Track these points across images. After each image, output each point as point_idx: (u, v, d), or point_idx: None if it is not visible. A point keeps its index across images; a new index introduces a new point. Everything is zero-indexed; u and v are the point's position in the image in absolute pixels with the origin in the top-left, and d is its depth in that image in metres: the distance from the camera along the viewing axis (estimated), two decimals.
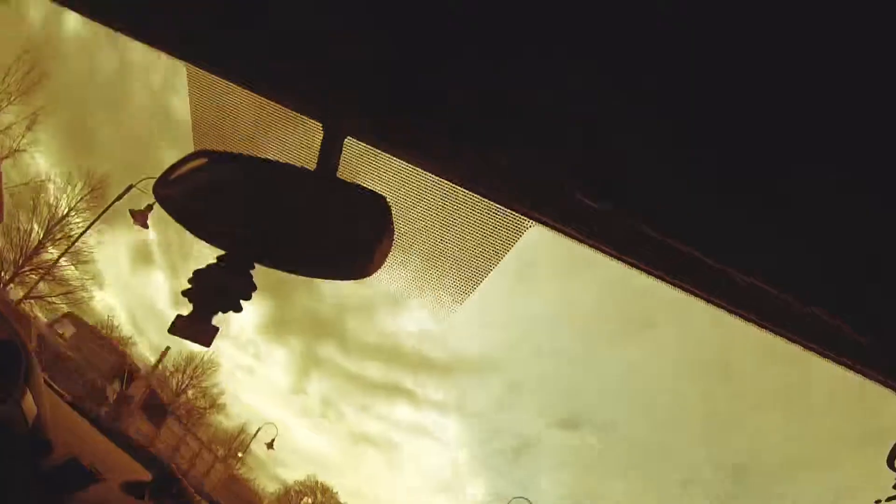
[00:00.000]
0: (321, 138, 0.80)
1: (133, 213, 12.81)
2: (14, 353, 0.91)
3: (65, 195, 17.88)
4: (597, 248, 0.80)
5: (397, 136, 0.80)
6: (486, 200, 0.81)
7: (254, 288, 0.78)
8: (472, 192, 0.81)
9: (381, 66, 0.74)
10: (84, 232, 15.58)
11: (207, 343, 0.77)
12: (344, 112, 0.79)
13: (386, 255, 0.75)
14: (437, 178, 0.81)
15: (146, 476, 1.02)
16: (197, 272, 0.80)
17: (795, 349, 0.76)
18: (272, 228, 0.79)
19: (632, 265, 0.80)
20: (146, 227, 12.80)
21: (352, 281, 0.78)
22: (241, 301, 0.78)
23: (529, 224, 0.81)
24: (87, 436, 1.13)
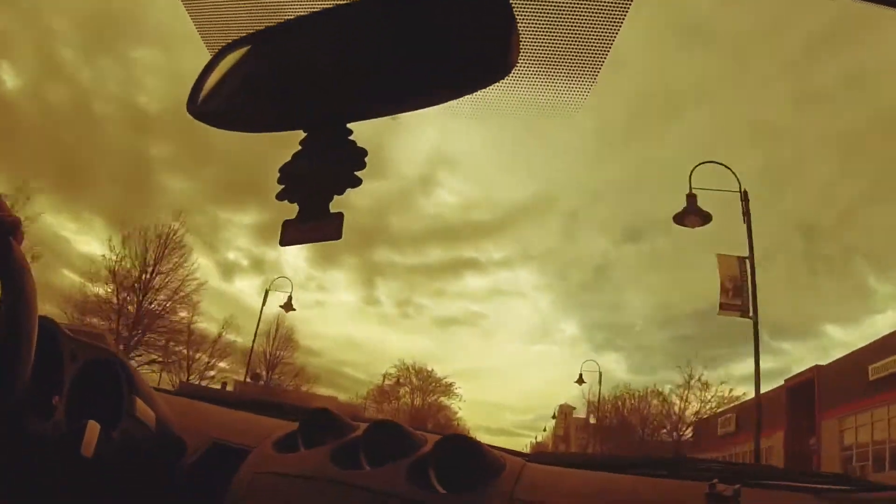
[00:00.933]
0: None
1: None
2: (113, 369, 0.77)
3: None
4: None
5: None
6: None
7: (364, 153, 0.62)
8: None
9: None
10: None
11: (337, 235, 0.61)
12: None
13: (518, 43, 0.60)
14: None
15: (293, 427, 0.87)
16: (284, 167, 0.64)
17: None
18: (355, 77, 0.63)
19: None
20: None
21: (485, 86, 0.62)
22: (356, 173, 0.62)
23: None
24: (216, 417, 0.98)
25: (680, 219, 8.80)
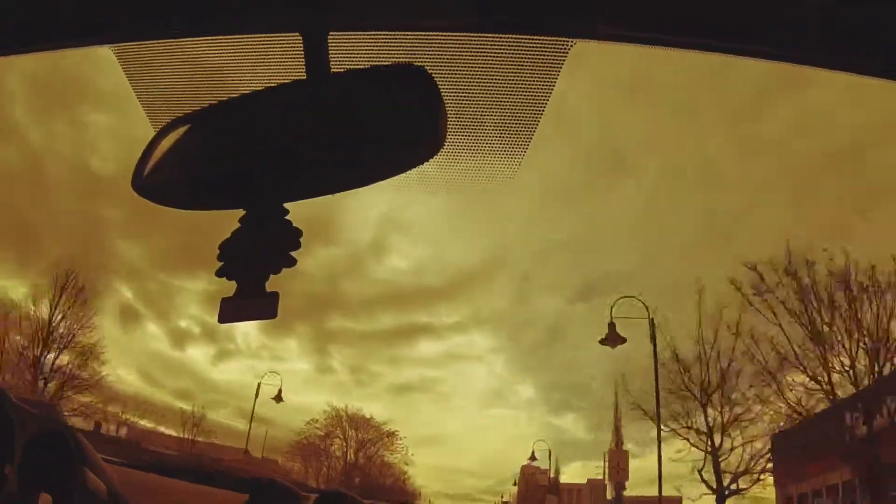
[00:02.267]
0: (301, 48, 0.68)
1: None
2: (62, 441, 0.78)
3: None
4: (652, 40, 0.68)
5: (384, 5, 0.68)
6: (509, 37, 0.69)
7: (299, 233, 0.64)
8: (494, 32, 0.68)
9: None
10: None
11: (273, 314, 0.63)
12: (324, 4, 0.67)
13: (446, 120, 0.62)
14: (443, 33, 0.69)
15: (242, 498, 0.89)
16: (224, 244, 0.66)
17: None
18: (292, 157, 0.66)
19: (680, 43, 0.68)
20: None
21: (420, 164, 0.64)
22: (291, 252, 0.64)
23: (570, 43, 0.68)
24: (163, 487, 0.99)
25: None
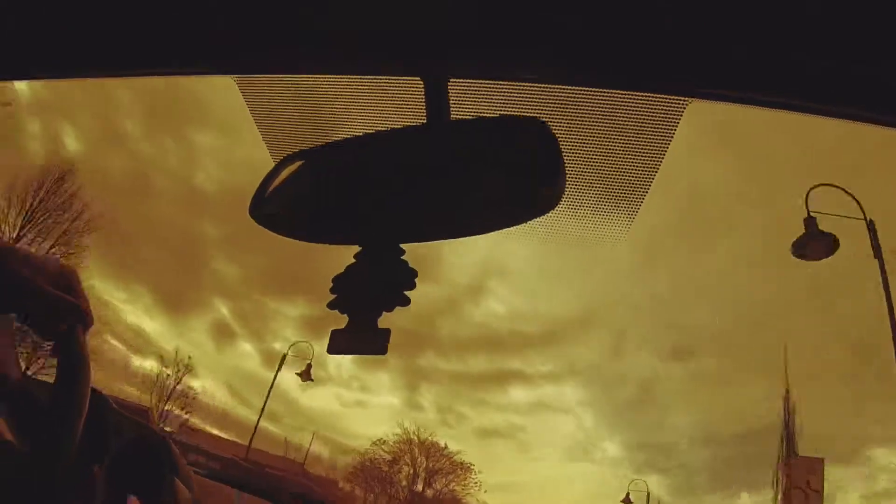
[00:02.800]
0: (422, 93, 0.70)
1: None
2: (155, 448, 0.81)
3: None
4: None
5: (505, 58, 0.70)
6: (626, 94, 0.70)
7: (414, 273, 0.66)
8: (610, 88, 0.70)
9: None
10: None
11: (383, 350, 0.64)
12: (445, 53, 0.69)
13: (565, 177, 0.63)
14: (561, 87, 0.71)
15: None
16: (338, 278, 0.67)
17: None
18: (410, 200, 0.67)
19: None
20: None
21: (535, 217, 0.65)
22: (406, 292, 0.66)
23: (686, 101, 0.70)
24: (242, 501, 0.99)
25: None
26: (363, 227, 0.68)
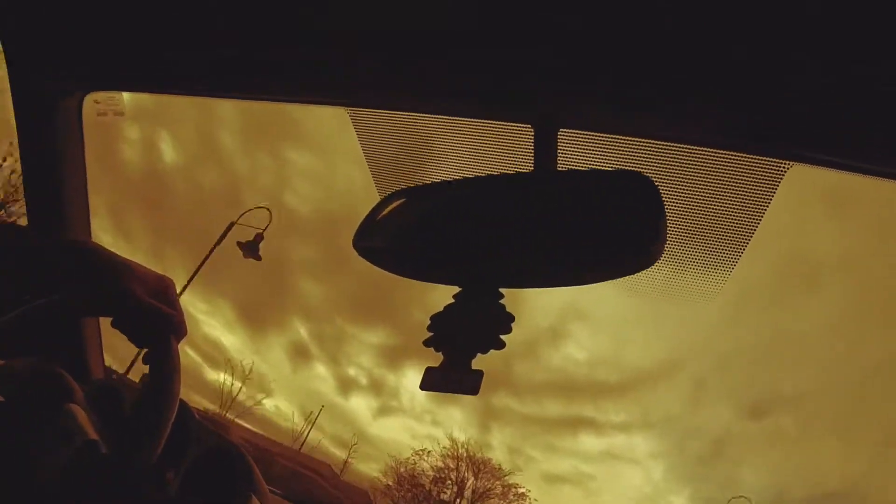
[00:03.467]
0: (530, 139, 0.72)
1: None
2: (234, 461, 0.82)
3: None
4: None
5: (616, 112, 0.71)
6: (728, 154, 0.71)
7: (511, 318, 0.67)
8: (713, 147, 0.71)
9: (587, 35, 0.66)
10: None
11: (475, 390, 0.65)
12: (557, 103, 0.70)
13: (666, 234, 0.64)
14: (668, 143, 0.72)
15: None
16: (436, 317, 0.69)
17: None
18: (512, 246, 0.69)
19: None
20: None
21: (635, 272, 0.66)
22: (501, 336, 0.67)
23: (787, 165, 0.70)
24: None
25: None
26: (465, 268, 0.69)
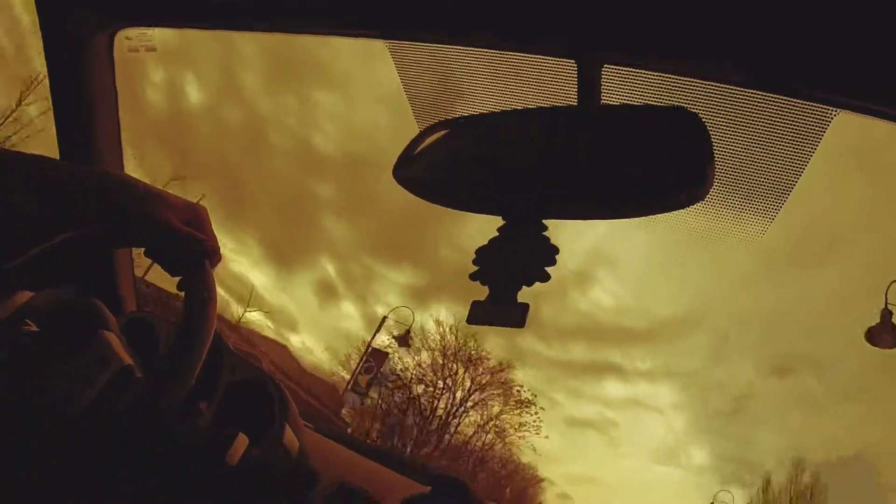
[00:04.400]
0: (573, 75, 0.71)
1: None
2: (268, 391, 0.82)
3: None
4: None
5: (662, 48, 0.70)
6: (775, 97, 0.70)
7: (555, 250, 0.67)
8: (761, 90, 0.70)
9: None
10: None
11: (521, 323, 0.65)
12: (603, 37, 0.69)
13: (713, 172, 0.64)
14: (713, 83, 0.71)
15: (423, 489, 0.89)
16: (480, 250, 0.69)
17: None
18: (556, 178, 0.68)
19: None
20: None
21: (679, 208, 0.65)
22: (546, 268, 0.66)
23: (835, 112, 0.69)
24: (346, 460, 1.02)
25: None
26: (507, 199, 0.69)
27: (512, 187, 0.69)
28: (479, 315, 0.66)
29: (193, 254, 0.73)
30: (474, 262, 0.68)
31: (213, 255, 0.74)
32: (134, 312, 1.01)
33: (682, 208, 0.66)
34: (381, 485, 0.95)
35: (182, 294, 0.73)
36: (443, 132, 0.72)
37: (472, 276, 0.68)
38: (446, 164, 0.71)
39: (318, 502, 0.89)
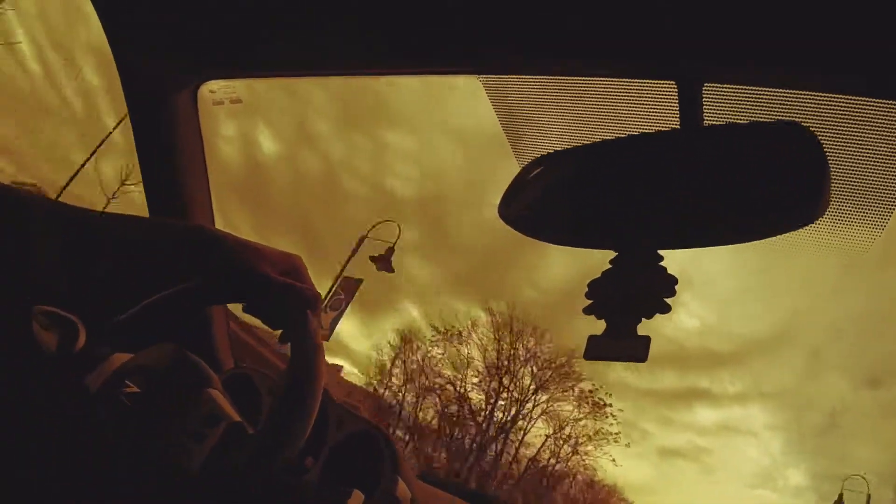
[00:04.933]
0: (674, 97, 0.69)
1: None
2: (377, 444, 0.81)
3: None
4: None
5: (763, 63, 0.68)
6: (885, 103, 0.68)
7: (674, 280, 0.65)
8: (868, 96, 0.68)
9: None
10: None
11: (643, 357, 0.64)
12: (701, 56, 0.67)
13: (830, 187, 0.62)
14: (817, 94, 0.69)
15: None
16: (593, 283, 0.67)
17: None
18: (667, 206, 0.67)
19: None
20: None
21: (797, 228, 0.64)
22: (666, 299, 0.65)
23: None
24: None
25: None
26: (619, 231, 0.68)
27: (622, 219, 0.68)
28: (598, 350, 0.65)
29: (295, 304, 0.71)
30: (587, 295, 0.67)
31: (315, 303, 0.72)
32: (233, 369, 1.00)
33: (801, 228, 0.65)
34: None
35: (277, 344, 0.72)
36: (545, 167, 0.70)
37: (587, 311, 0.66)
38: (552, 200, 0.70)
39: None
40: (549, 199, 0.70)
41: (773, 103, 0.69)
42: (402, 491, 0.81)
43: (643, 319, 0.65)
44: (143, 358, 0.75)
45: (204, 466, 0.69)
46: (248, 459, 0.67)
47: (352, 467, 0.79)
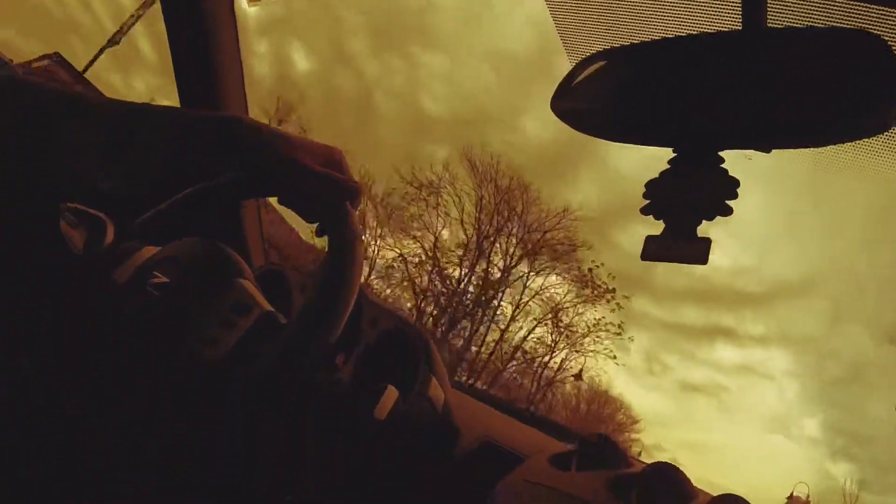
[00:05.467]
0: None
1: None
2: (412, 343, 0.79)
3: None
4: None
5: None
6: None
7: (736, 183, 0.63)
8: None
9: None
10: None
11: (703, 259, 0.62)
12: None
13: None
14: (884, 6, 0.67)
15: (568, 448, 0.86)
16: (651, 183, 0.65)
17: None
18: (728, 107, 0.65)
19: None
20: None
21: (860, 138, 0.62)
22: (727, 201, 0.63)
23: None
24: (490, 418, 0.98)
25: None
26: (678, 130, 0.65)
27: (682, 117, 0.66)
28: (657, 251, 0.63)
29: (335, 195, 0.68)
30: (645, 195, 0.65)
31: (356, 194, 0.69)
32: (264, 265, 0.97)
33: (866, 137, 0.63)
34: (527, 442, 0.92)
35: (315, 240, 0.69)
36: (602, 62, 0.67)
37: (644, 210, 0.64)
38: (610, 95, 0.67)
39: (460, 459, 0.86)
40: (605, 95, 0.67)
41: (840, 11, 0.68)
42: (435, 391, 0.79)
43: (704, 220, 0.63)
44: (173, 249, 0.71)
45: (230, 356, 0.66)
46: (278, 350, 0.64)
47: (385, 366, 0.77)
